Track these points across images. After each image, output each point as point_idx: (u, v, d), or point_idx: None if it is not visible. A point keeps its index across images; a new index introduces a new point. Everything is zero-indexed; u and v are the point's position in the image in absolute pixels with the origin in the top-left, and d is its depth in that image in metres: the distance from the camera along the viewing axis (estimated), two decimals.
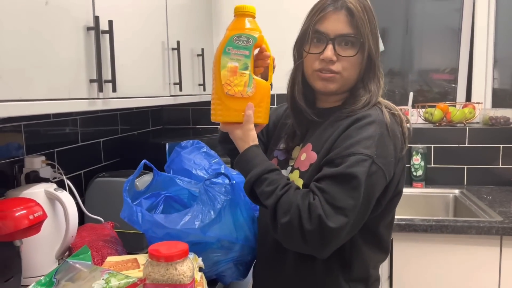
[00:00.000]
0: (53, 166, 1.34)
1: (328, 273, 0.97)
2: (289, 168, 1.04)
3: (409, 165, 2.25)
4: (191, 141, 1.70)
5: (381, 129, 0.90)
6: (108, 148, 1.84)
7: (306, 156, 0.99)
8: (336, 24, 0.94)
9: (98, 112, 1.76)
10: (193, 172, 1.54)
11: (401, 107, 2.32)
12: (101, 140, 1.80)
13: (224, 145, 1.20)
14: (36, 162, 1.26)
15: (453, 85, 2.50)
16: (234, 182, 1.12)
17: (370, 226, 0.95)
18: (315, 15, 0.96)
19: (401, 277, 1.73)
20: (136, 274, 0.92)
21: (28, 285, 0.91)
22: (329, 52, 0.94)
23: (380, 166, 0.87)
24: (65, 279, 0.89)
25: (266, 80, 1.03)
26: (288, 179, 0.95)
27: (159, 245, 0.88)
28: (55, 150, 1.48)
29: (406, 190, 2.19)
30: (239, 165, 0.98)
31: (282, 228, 0.89)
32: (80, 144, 1.64)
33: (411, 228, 1.68)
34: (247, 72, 0.99)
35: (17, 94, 0.83)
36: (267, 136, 1.21)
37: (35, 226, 0.96)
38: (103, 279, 0.84)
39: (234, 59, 0.99)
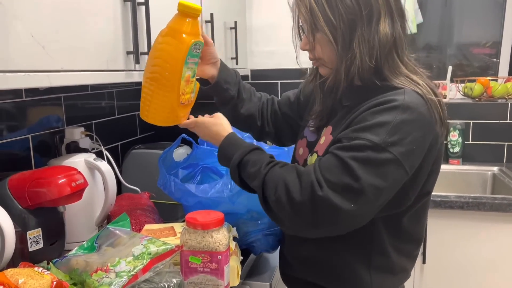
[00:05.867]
0: (91, 137, 1.38)
1: (348, 257, 0.94)
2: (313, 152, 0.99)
3: (446, 141, 2.20)
4: None
5: (405, 115, 0.80)
6: (143, 121, 1.87)
7: (325, 139, 0.94)
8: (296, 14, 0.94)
9: (133, 85, 1.79)
10: None
11: (439, 81, 2.24)
12: (137, 113, 1.83)
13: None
14: (76, 133, 1.30)
15: (494, 59, 2.39)
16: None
17: (393, 218, 0.90)
18: None
19: (435, 254, 1.71)
20: (173, 241, 0.94)
21: (71, 249, 0.96)
22: (301, 44, 0.95)
23: (394, 155, 0.79)
24: (106, 244, 0.93)
25: None
26: (272, 156, 0.92)
27: (196, 214, 0.90)
28: (93, 122, 1.53)
29: (442, 167, 2.12)
30: (222, 159, 0.98)
31: (273, 207, 0.85)
32: (116, 116, 1.68)
33: (446, 204, 1.64)
34: (194, 78, 0.99)
35: (59, 64, 0.85)
36: (298, 111, 1.17)
37: (77, 193, 0.99)
38: (142, 244, 0.87)
39: (189, 68, 0.96)
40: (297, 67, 1.03)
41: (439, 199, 1.65)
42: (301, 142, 1.05)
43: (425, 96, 0.84)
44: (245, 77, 2.34)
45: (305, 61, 1.00)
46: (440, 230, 1.69)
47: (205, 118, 1.03)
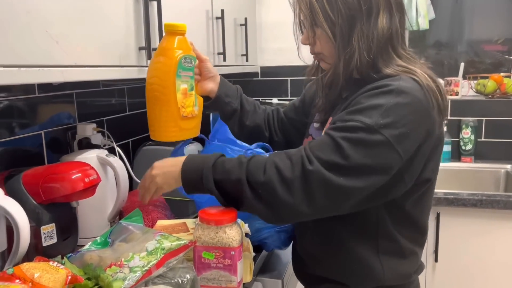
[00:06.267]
0: (103, 134, 1.38)
1: (356, 247, 0.93)
2: None
3: (458, 139, 2.18)
4: None
5: (399, 98, 0.81)
6: None
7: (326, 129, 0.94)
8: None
9: (144, 82, 1.79)
10: (238, 142, 1.55)
11: (451, 78, 2.22)
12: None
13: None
14: (88, 129, 1.31)
15: (507, 56, 2.36)
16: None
17: (397, 203, 0.90)
18: None
19: (447, 252, 1.70)
20: (185, 237, 0.94)
21: (83, 245, 0.96)
22: (302, 38, 0.96)
23: (386, 137, 0.79)
24: (119, 239, 0.93)
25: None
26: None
27: (209, 209, 0.90)
28: (105, 118, 1.53)
29: (454, 165, 2.12)
30: (189, 187, 0.90)
31: (263, 192, 0.82)
32: (128, 113, 1.68)
33: (459, 202, 1.63)
34: (193, 92, 1.04)
35: (72, 60, 0.85)
36: (303, 112, 1.17)
37: (90, 189, 1.00)
38: (155, 240, 0.87)
39: (184, 81, 1.01)
40: (308, 63, 1.04)
41: (452, 196, 1.64)
42: (307, 140, 1.06)
43: (421, 82, 0.84)
44: (255, 74, 2.33)
45: (308, 56, 1.01)
46: (452, 228, 1.68)
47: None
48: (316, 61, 1.01)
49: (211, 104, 1.15)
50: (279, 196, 0.81)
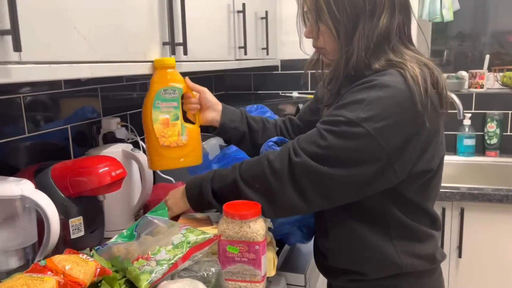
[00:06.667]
0: (127, 128, 1.40)
1: (370, 237, 0.94)
2: None
3: (482, 133, 2.13)
4: (255, 106, 1.70)
5: (380, 92, 0.83)
6: None
7: None
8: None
9: None
10: None
11: (475, 70, 2.17)
12: None
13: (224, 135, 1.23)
14: (112, 124, 1.32)
15: None
16: None
17: (397, 190, 0.91)
18: None
19: (471, 248, 1.67)
20: (210, 231, 0.95)
21: (110, 238, 0.98)
22: (305, 31, 0.97)
23: (367, 130, 0.82)
24: (145, 232, 0.95)
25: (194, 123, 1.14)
26: None
27: (233, 204, 0.91)
28: (128, 113, 1.55)
29: (478, 159, 2.08)
30: (193, 203, 1.02)
31: (258, 184, 0.90)
32: None
33: (484, 197, 1.60)
34: (179, 121, 1.08)
35: (99, 56, 0.86)
36: (315, 110, 1.17)
37: (116, 183, 1.01)
38: (181, 233, 0.88)
39: (164, 111, 1.07)
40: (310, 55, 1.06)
41: (476, 192, 1.61)
42: None
43: (407, 75, 0.85)
44: (275, 68, 2.33)
45: (310, 49, 1.03)
46: (477, 224, 1.65)
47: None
48: (317, 53, 1.03)
49: (218, 133, 1.19)
50: (272, 187, 0.89)
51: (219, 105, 1.18)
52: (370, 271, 0.96)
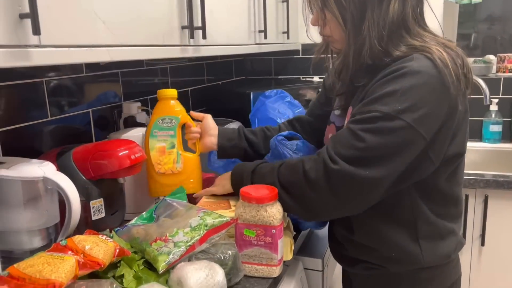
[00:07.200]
0: (147, 112, 1.41)
1: (394, 233, 0.92)
2: None
3: (510, 119, 2.06)
4: (275, 91, 1.69)
5: (413, 80, 0.79)
6: (196, 97, 1.90)
7: (347, 121, 0.92)
8: None
9: (186, 61, 1.81)
10: (278, 121, 1.54)
11: (505, 54, 2.10)
12: (189, 89, 1.86)
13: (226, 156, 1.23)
14: (133, 108, 1.34)
15: None
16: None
17: (428, 182, 0.88)
18: None
19: (494, 236, 1.64)
20: (227, 214, 0.96)
21: (130, 220, 1.00)
22: (312, 19, 0.95)
23: (407, 122, 0.78)
24: (164, 215, 0.96)
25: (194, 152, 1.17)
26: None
27: (250, 187, 0.91)
28: (148, 97, 1.56)
29: (505, 146, 2.02)
30: (237, 190, 0.98)
31: (294, 190, 0.88)
32: None
33: (510, 185, 1.56)
34: (175, 150, 1.13)
35: (118, 39, 0.87)
36: (329, 104, 1.13)
37: (136, 166, 1.03)
38: (199, 216, 0.89)
39: (161, 140, 1.13)
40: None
41: (502, 179, 1.57)
42: (330, 128, 1.05)
43: (435, 58, 0.81)
44: (296, 52, 2.30)
45: (318, 35, 1.00)
46: (501, 212, 1.61)
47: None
48: (324, 43, 1.00)
49: (220, 155, 1.19)
50: (307, 195, 0.86)
51: (215, 130, 1.19)
52: (389, 265, 0.94)
